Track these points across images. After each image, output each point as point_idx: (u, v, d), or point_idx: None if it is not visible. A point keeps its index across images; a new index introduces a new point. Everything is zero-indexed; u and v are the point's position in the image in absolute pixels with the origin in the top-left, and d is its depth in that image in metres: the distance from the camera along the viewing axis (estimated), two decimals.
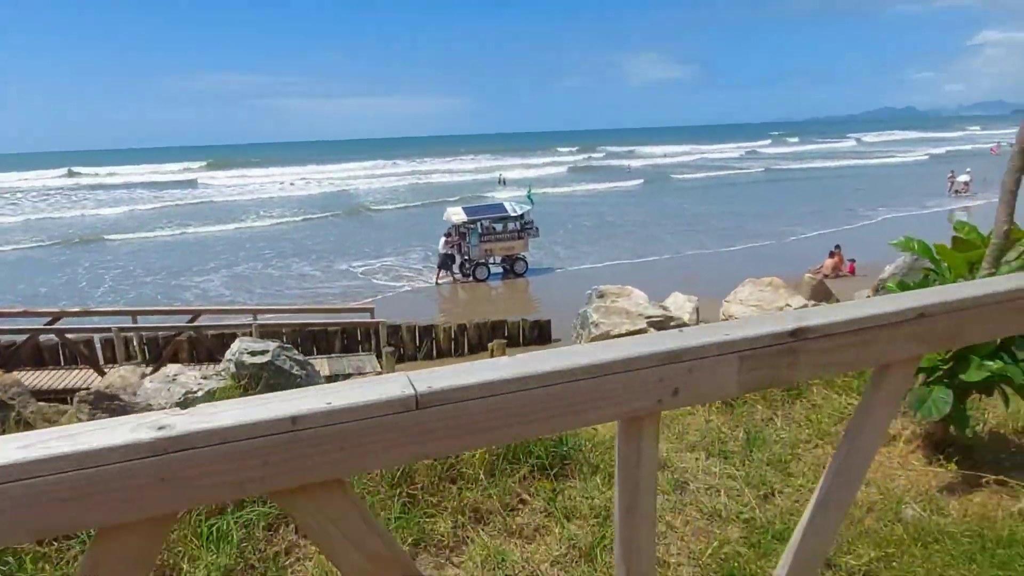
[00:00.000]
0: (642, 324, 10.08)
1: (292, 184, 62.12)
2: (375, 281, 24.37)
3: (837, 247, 22.09)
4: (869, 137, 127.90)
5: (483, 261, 25.57)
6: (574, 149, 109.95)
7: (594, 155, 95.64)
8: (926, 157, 69.72)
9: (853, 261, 21.73)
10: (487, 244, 25.87)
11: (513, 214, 26.49)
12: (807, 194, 42.32)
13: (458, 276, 25.25)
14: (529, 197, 29.35)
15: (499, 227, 26.41)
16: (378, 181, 63.48)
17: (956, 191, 38.54)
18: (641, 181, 54.59)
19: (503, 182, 55.77)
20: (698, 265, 23.71)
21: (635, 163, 78.95)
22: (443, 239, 25.65)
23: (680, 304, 12.03)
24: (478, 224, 25.95)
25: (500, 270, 25.97)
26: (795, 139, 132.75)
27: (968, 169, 41.01)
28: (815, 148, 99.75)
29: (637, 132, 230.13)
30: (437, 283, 24.48)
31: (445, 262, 25.10)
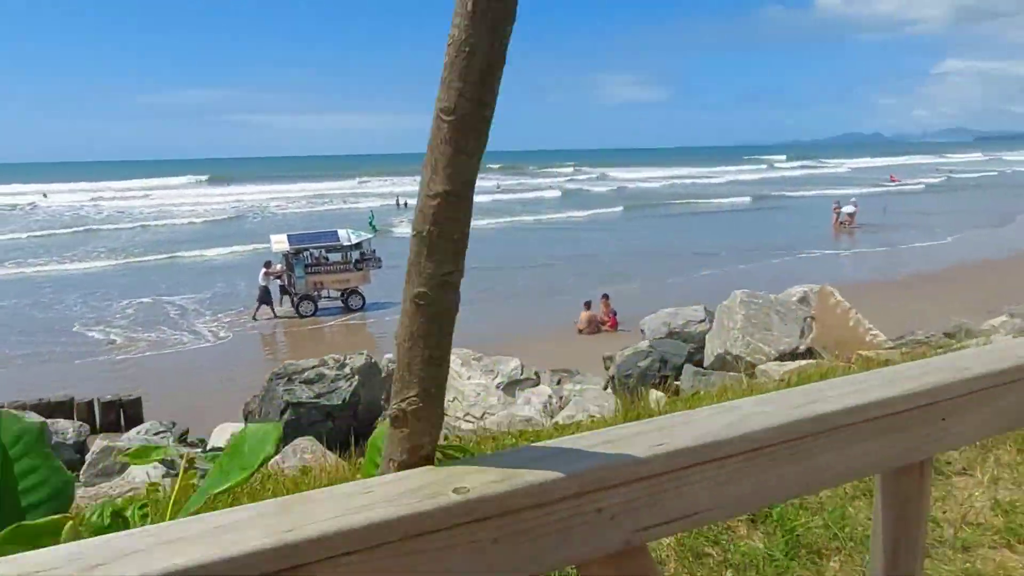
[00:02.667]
0: None
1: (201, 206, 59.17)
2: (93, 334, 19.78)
3: (604, 296, 19.34)
4: (855, 163, 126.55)
5: (310, 295, 23.30)
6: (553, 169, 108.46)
7: (569, 178, 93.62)
8: (922, 186, 66.80)
9: (615, 314, 18.92)
10: (316, 276, 23.88)
11: (347, 243, 24.26)
12: (773, 225, 39.82)
13: (280, 312, 22.81)
14: (371, 225, 27.01)
15: (332, 257, 24.30)
16: (294, 204, 60.69)
17: (841, 223, 36.34)
18: (620, 209, 51.61)
19: (404, 205, 53.47)
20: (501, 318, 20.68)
21: (602, 188, 76.24)
22: (262, 270, 23.32)
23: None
24: (304, 254, 23.76)
25: (337, 304, 23.71)
26: (792, 163, 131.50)
27: (853, 199, 38.90)
28: (804, 174, 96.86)
29: (613, 153, 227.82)
30: (254, 319, 22.16)
31: (263, 296, 22.77)
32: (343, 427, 7.77)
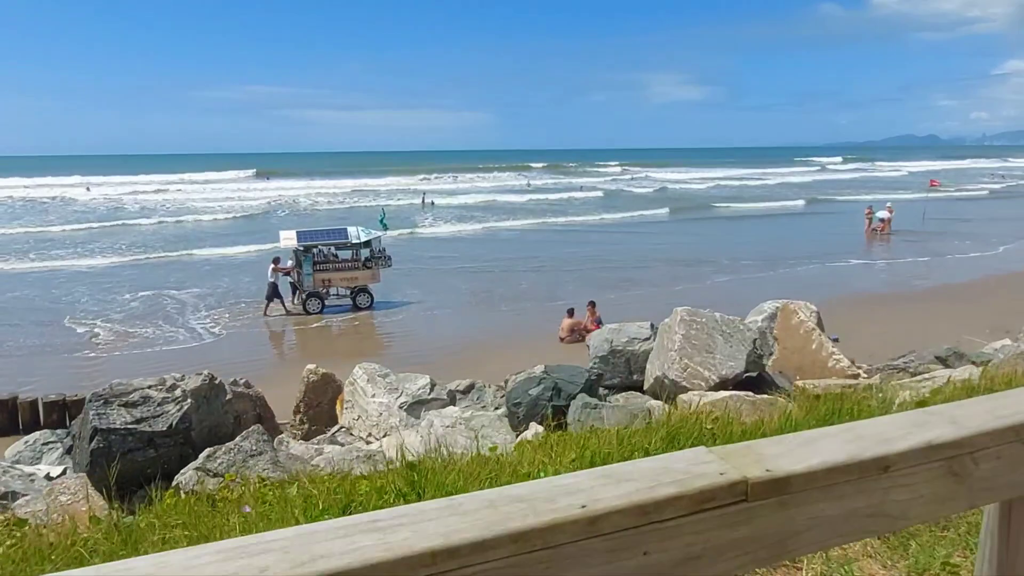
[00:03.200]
0: None
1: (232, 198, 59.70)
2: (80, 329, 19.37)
3: (591, 303, 18.30)
4: (913, 166, 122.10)
5: (317, 292, 23.20)
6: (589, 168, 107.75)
7: (613, 178, 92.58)
8: (986, 192, 64.18)
9: (600, 322, 17.55)
10: (324, 274, 23.72)
11: (356, 240, 24.04)
12: (809, 230, 38.31)
13: (288, 308, 22.83)
14: (382, 222, 26.70)
15: (342, 254, 24.24)
16: (326, 199, 60.96)
17: (874, 229, 34.71)
18: (655, 212, 50.00)
19: (432, 204, 53.10)
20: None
21: (644, 189, 74.73)
22: (270, 266, 23.30)
23: None
24: (313, 251, 23.62)
25: (348, 303, 23.62)
26: (847, 166, 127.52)
27: (888, 204, 37.04)
28: (859, 177, 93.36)
29: (660, 153, 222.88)
30: (265, 316, 22.18)
31: (272, 292, 22.75)
32: (171, 454, 7.08)
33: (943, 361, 10.04)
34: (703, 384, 8.98)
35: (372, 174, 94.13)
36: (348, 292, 23.70)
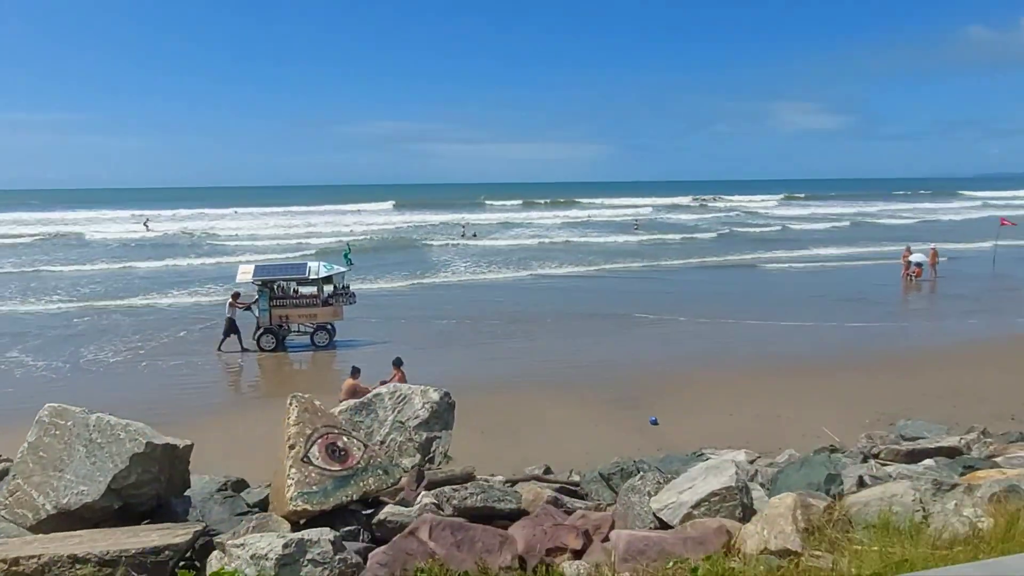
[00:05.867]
0: None
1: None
2: None
3: (397, 361, 15.67)
4: None
5: (272, 329, 23.48)
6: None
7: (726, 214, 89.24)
8: None
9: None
10: (281, 310, 23.92)
11: (316, 276, 24.14)
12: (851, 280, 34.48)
13: (244, 345, 23.24)
14: (347, 258, 26.67)
15: (304, 290, 24.48)
16: (407, 232, 62.03)
17: (909, 275, 30.72)
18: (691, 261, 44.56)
19: (472, 235, 52.28)
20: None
21: (757, 229, 70.69)
22: (228, 301, 23.99)
23: None
24: (270, 286, 23.93)
25: (306, 340, 23.89)
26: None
27: (933, 246, 32.54)
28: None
29: (790, 184, 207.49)
30: (219, 351, 22.86)
31: (228, 328, 23.38)
32: None
33: (606, 480, 7.78)
34: (29, 516, 6.59)
35: (471, 207, 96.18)
36: (312, 329, 23.83)
